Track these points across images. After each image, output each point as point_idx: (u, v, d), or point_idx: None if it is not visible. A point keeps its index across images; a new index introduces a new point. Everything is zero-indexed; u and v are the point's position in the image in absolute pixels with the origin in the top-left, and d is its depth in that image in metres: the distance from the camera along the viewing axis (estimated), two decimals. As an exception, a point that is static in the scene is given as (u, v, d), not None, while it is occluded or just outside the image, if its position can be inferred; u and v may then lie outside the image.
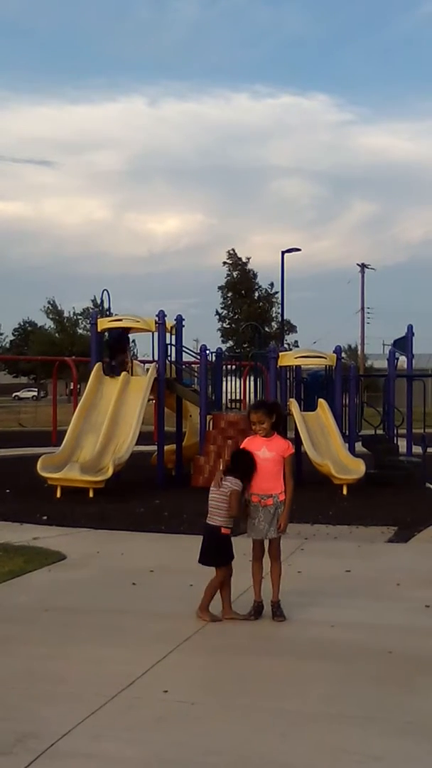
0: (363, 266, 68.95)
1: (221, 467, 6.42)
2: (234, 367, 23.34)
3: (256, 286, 70.65)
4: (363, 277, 68.98)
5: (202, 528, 6.36)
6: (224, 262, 71.05)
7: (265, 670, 5.24)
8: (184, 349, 17.11)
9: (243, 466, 6.27)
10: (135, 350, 18.63)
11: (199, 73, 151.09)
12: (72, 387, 30.55)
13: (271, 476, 6.31)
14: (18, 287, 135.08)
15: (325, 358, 16.55)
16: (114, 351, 16.52)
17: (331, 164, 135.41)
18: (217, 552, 6.22)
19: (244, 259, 70.75)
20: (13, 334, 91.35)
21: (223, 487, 6.20)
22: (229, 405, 18.50)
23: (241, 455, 6.36)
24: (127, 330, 16.69)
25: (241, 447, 6.49)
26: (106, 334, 16.54)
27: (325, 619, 6.28)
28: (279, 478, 6.33)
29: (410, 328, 19.42)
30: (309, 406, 16.55)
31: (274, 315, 68.58)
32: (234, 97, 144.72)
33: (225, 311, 70.43)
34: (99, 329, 16.09)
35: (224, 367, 18.26)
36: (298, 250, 42.22)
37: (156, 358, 15.99)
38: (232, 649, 5.71)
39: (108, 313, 17.56)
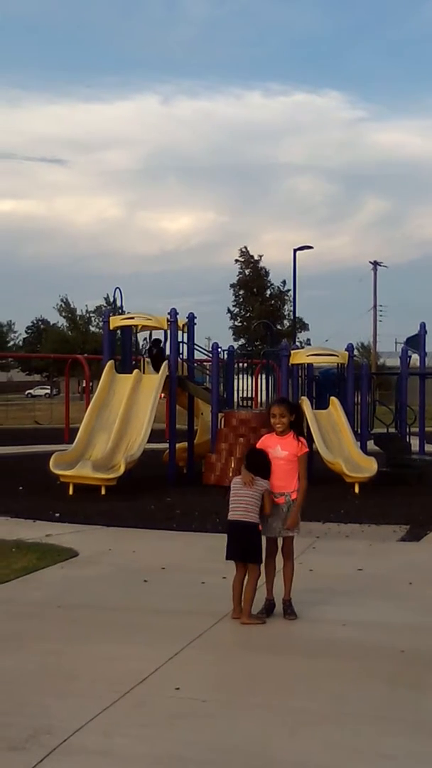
0: (375, 264, 68.80)
1: (242, 465, 6.41)
2: (246, 365, 23.35)
3: (268, 284, 70.58)
4: (375, 274, 68.87)
5: (233, 525, 6.27)
6: (236, 260, 71.06)
7: (277, 668, 5.25)
8: (195, 347, 17.11)
9: (261, 464, 6.31)
10: (146, 348, 18.66)
11: (211, 71, 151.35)
12: (84, 385, 30.62)
13: (284, 474, 6.32)
14: (31, 285, 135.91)
15: (337, 356, 16.52)
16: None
17: (344, 161, 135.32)
18: (257, 549, 6.25)
19: (256, 257, 70.72)
20: (26, 332, 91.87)
21: (257, 486, 6.23)
22: (240, 403, 18.50)
23: (257, 454, 6.39)
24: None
25: (258, 445, 6.52)
26: (119, 332, 16.57)
27: (337, 618, 6.28)
28: (292, 476, 6.34)
29: (423, 325, 19.37)
30: (321, 404, 16.53)
31: (286, 313, 68.50)
32: (246, 94, 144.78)
33: (237, 309, 70.43)
34: (111, 327, 16.12)
35: (236, 365, 18.26)
36: (310, 247, 42.13)
37: (168, 356, 16.00)
38: (244, 647, 5.72)
39: (120, 311, 17.58)
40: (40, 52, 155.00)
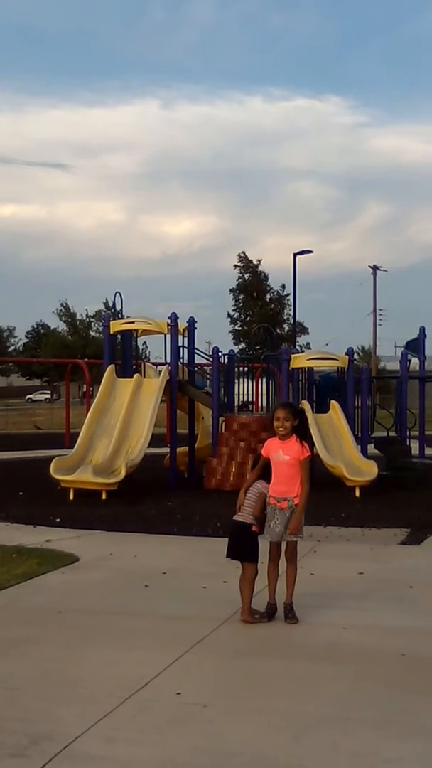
0: (375, 268, 68.85)
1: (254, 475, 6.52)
2: (246, 369, 23.37)
3: (268, 289, 70.59)
4: (375, 278, 68.92)
5: (231, 525, 6.49)
6: (235, 265, 71.06)
7: (278, 673, 5.24)
8: (196, 351, 17.12)
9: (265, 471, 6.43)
10: (147, 353, 18.65)
11: (213, 75, 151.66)
12: (85, 389, 30.64)
13: (287, 479, 6.32)
14: (31, 290, 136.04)
15: (337, 359, 16.53)
16: None
17: (345, 166, 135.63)
18: (247, 548, 6.32)
19: (255, 262, 70.73)
20: (26, 336, 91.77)
21: (255, 488, 6.37)
22: (241, 407, 18.49)
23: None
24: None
25: (262, 449, 6.57)
26: (119, 337, 16.58)
27: (338, 622, 6.27)
28: (295, 481, 6.34)
29: (422, 329, 19.42)
30: (321, 408, 16.54)
31: (286, 317, 68.48)
32: (247, 100, 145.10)
33: (237, 313, 70.40)
34: (111, 331, 16.12)
35: (236, 369, 18.30)
36: (310, 252, 42.19)
37: (168, 360, 16.02)
38: (245, 651, 5.70)
39: (120, 315, 17.59)
40: (43, 57, 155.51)
